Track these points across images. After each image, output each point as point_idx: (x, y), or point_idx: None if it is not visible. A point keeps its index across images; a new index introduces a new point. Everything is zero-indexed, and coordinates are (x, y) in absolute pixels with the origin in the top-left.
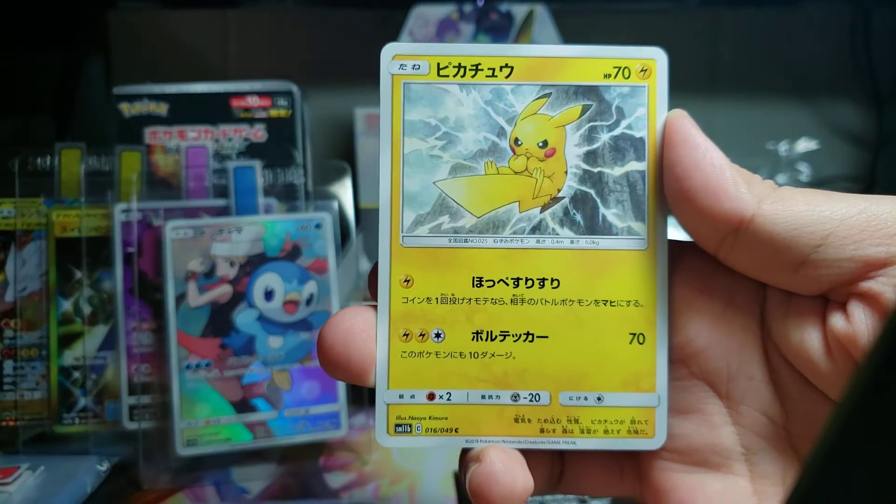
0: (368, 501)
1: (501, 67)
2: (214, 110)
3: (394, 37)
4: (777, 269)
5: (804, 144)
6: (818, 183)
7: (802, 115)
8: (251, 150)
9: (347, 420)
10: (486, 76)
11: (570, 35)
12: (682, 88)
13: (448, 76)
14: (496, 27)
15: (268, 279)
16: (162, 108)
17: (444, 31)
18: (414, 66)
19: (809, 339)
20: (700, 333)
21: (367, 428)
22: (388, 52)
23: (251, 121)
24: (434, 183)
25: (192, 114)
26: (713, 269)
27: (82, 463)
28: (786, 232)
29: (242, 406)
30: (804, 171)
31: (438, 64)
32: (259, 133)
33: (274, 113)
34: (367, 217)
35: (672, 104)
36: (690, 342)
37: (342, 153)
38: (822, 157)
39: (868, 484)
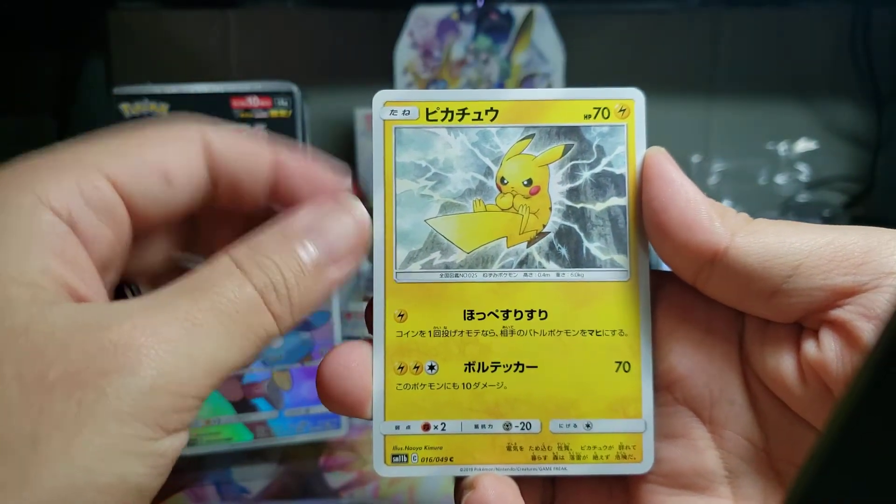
0: (368, 501)
1: (487, 111)
2: (215, 110)
3: (394, 37)
4: (752, 298)
5: (804, 144)
6: (818, 183)
7: (802, 115)
8: None
9: (347, 420)
10: (473, 119)
11: (569, 35)
12: (682, 88)
13: (437, 120)
14: (496, 28)
15: None
16: (162, 109)
17: (444, 32)
18: (404, 111)
19: (784, 365)
20: (682, 361)
21: (367, 428)
22: (380, 98)
23: (251, 121)
24: (425, 221)
25: (192, 114)
26: (693, 299)
27: None
28: (758, 263)
29: (243, 406)
30: (804, 171)
31: (427, 109)
32: (259, 133)
33: (274, 113)
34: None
35: (672, 104)
36: (673, 369)
37: (342, 154)
38: (822, 158)
39: None
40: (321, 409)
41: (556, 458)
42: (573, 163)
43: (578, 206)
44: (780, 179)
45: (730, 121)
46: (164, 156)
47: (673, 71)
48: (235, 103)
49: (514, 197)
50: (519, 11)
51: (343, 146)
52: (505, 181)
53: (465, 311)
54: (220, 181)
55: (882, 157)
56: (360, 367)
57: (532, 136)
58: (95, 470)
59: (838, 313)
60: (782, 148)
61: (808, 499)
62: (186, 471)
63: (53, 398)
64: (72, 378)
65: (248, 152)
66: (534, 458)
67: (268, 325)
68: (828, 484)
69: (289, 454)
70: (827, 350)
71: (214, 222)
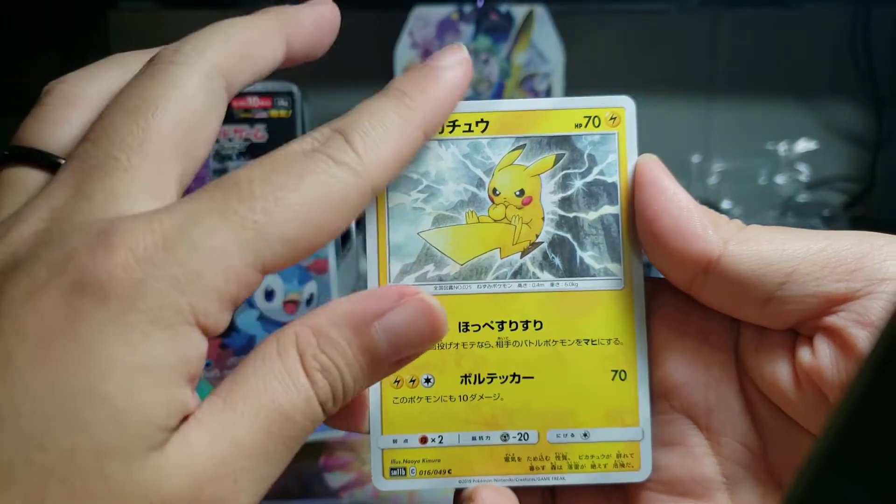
0: (368, 501)
1: (477, 122)
2: None
3: (394, 38)
4: (746, 306)
5: (804, 145)
6: (818, 183)
7: (802, 115)
8: (251, 150)
9: None
10: (464, 131)
11: (569, 35)
12: (682, 88)
13: None
14: (496, 28)
15: (268, 279)
16: None
17: (444, 32)
18: None
19: (780, 371)
20: (678, 368)
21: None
22: None
23: (251, 121)
24: (418, 234)
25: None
26: (688, 306)
27: None
28: (751, 271)
29: None
30: (803, 171)
31: None
32: (259, 133)
33: (274, 113)
34: (367, 217)
35: (672, 104)
36: (669, 377)
37: None
38: (822, 158)
39: None
40: None
41: (554, 467)
42: (565, 172)
43: (571, 215)
44: (780, 179)
45: (730, 121)
46: (263, 63)
47: (673, 71)
48: (235, 103)
49: (506, 208)
50: (519, 11)
51: None
52: (497, 192)
53: (460, 323)
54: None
55: (882, 157)
56: None
57: (523, 146)
58: None
59: (832, 320)
60: (782, 148)
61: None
62: None
63: None
64: None
65: (316, 41)
66: (532, 468)
67: (317, 424)
68: (824, 488)
69: None
70: (821, 357)
71: None
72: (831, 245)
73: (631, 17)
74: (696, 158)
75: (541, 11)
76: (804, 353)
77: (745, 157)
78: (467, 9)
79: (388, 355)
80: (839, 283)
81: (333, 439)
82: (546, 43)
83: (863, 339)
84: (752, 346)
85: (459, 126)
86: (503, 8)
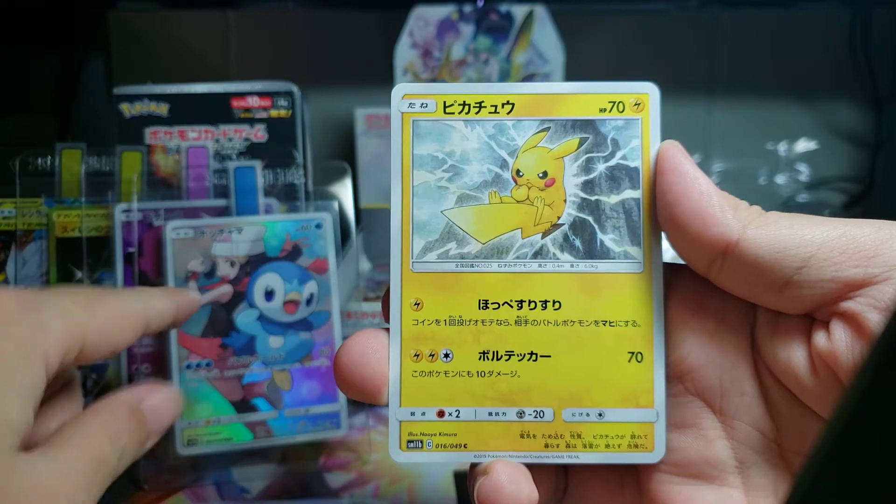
0: (368, 501)
1: (503, 104)
2: (215, 111)
3: (394, 37)
4: (763, 290)
5: (804, 144)
6: (818, 183)
7: (802, 115)
8: (251, 150)
9: (347, 420)
10: (489, 112)
11: (569, 35)
12: (682, 88)
13: (454, 113)
14: (496, 28)
15: (268, 279)
16: (162, 109)
17: (444, 32)
18: (422, 104)
19: (795, 356)
20: (694, 351)
21: (367, 428)
22: (398, 92)
23: (251, 121)
24: (442, 212)
25: (192, 114)
26: (706, 290)
27: None
28: (769, 255)
29: (243, 406)
30: (803, 171)
31: (445, 102)
32: (259, 133)
33: (274, 113)
34: (367, 217)
35: (672, 105)
36: (685, 360)
37: (342, 153)
38: (822, 158)
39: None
40: (321, 409)
41: (568, 446)
42: (588, 156)
43: (593, 198)
44: (780, 179)
45: (730, 121)
46: (122, 337)
47: (673, 71)
48: (235, 103)
49: (529, 189)
50: (519, 11)
51: (343, 146)
52: (520, 173)
53: (479, 301)
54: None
55: (882, 157)
56: (377, 354)
57: (548, 129)
58: None
59: (849, 305)
60: (782, 148)
61: (814, 487)
62: (186, 471)
63: None
64: None
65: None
66: (546, 445)
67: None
68: (834, 473)
69: (289, 454)
70: (837, 341)
71: None
72: (850, 231)
73: (631, 17)
74: (696, 158)
75: (541, 11)
76: (820, 338)
77: (745, 157)
78: (467, 9)
79: (153, 427)
80: (857, 269)
81: (333, 439)
82: (546, 43)
83: (879, 324)
84: (768, 331)
85: (486, 107)
86: (503, 8)
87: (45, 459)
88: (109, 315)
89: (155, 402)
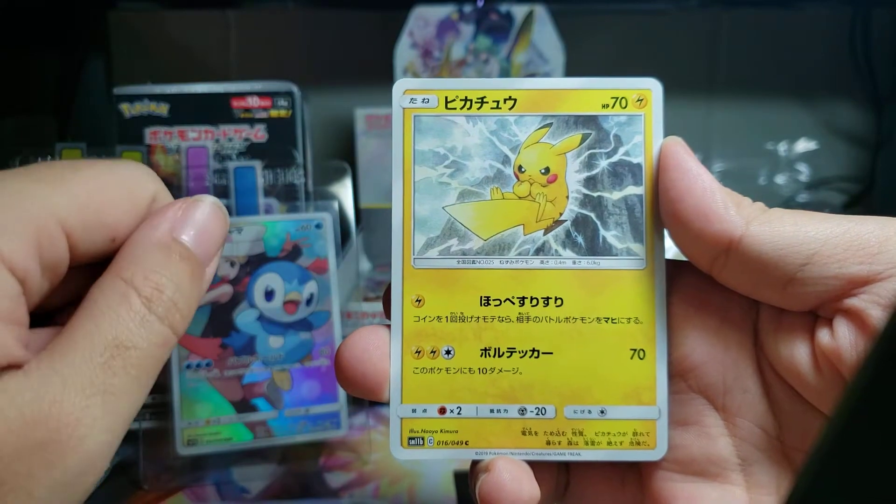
0: (368, 501)
1: (505, 100)
2: (215, 111)
3: (394, 37)
4: (766, 287)
5: (803, 144)
6: (818, 183)
7: (802, 115)
8: (251, 150)
9: (347, 420)
10: (491, 108)
11: (569, 35)
12: (682, 88)
13: (456, 109)
14: (496, 27)
15: (268, 279)
16: (162, 109)
17: (444, 32)
18: (424, 99)
19: (798, 353)
20: (696, 349)
21: (367, 428)
22: (400, 87)
23: (251, 121)
24: (443, 208)
25: (192, 114)
26: (708, 287)
27: None
28: (773, 251)
29: (243, 406)
30: (803, 171)
31: (447, 97)
32: (259, 133)
33: (274, 113)
34: (367, 217)
35: (672, 104)
36: (688, 357)
37: (342, 153)
38: (822, 158)
39: (859, 496)
40: (321, 409)
41: (570, 443)
42: (591, 152)
43: (595, 194)
44: (780, 179)
45: (730, 121)
46: (118, 214)
47: (673, 71)
48: (235, 103)
49: (531, 185)
50: (519, 11)
51: (343, 146)
52: (522, 169)
53: (481, 298)
54: None
55: (882, 157)
56: (378, 350)
57: (550, 124)
58: None
59: (853, 302)
60: (782, 148)
61: (816, 484)
62: (186, 471)
63: None
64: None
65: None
66: (548, 443)
67: (173, 346)
68: (835, 470)
69: (289, 454)
70: (841, 338)
71: None
72: (854, 228)
73: (631, 17)
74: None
75: (541, 11)
76: (823, 335)
77: (745, 157)
78: (467, 9)
79: (203, 258)
80: (861, 266)
81: (333, 439)
82: (546, 43)
83: (883, 321)
84: (771, 328)
85: (487, 102)
86: (503, 8)
87: (37, 372)
88: (94, 185)
89: (196, 222)
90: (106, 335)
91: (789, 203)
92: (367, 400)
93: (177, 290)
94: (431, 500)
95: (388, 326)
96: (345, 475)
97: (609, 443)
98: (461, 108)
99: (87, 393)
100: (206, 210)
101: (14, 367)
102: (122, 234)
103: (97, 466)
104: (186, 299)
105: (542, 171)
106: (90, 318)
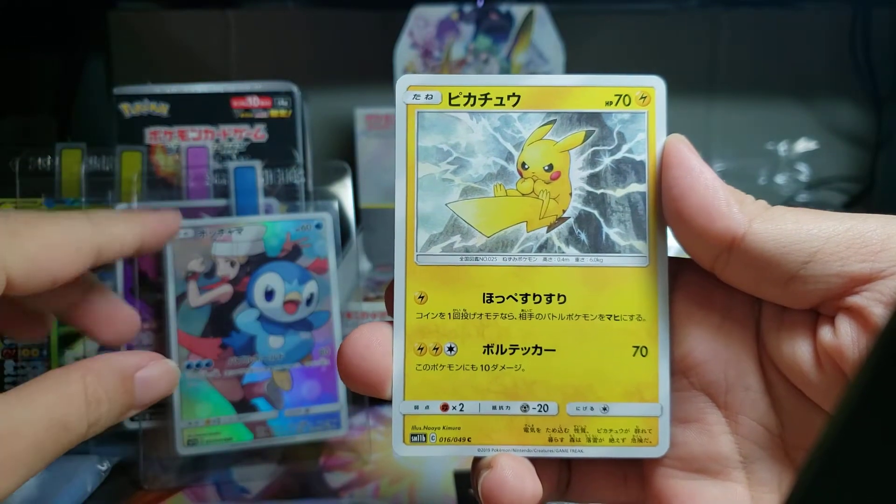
0: (368, 501)
1: (509, 96)
2: (215, 111)
3: (394, 37)
4: (769, 285)
5: (804, 144)
6: (818, 183)
7: (802, 115)
8: (251, 150)
9: (348, 420)
10: (495, 105)
11: (569, 35)
12: (682, 89)
13: (459, 105)
14: (496, 27)
15: (268, 279)
16: (162, 109)
17: (444, 32)
18: (427, 96)
19: (801, 351)
20: (699, 346)
21: (368, 428)
22: (403, 83)
23: (251, 121)
24: (446, 205)
25: (192, 114)
26: (711, 285)
27: (83, 462)
28: (775, 249)
29: (243, 406)
30: (803, 171)
31: (450, 94)
32: (259, 133)
33: (274, 113)
34: (367, 217)
35: (672, 104)
36: (690, 354)
37: (342, 153)
38: (822, 158)
39: (860, 494)
40: (321, 409)
41: (572, 440)
42: (594, 149)
43: (599, 191)
44: (780, 179)
45: (730, 121)
46: (60, 268)
47: (673, 71)
48: (235, 103)
49: (534, 182)
50: (519, 11)
51: (343, 146)
52: (526, 166)
53: (484, 294)
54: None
55: (882, 157)
56: (381, 347)
57: (553, 121)
58: None
59: (855, 300)
60: (782, 148)
61: (818, 482)
62: (186, 471)
63: None
64: None
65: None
66: (551, 439)
67: (76, 441)
68: (837, 468)
69: (289, 454)
70: (843, 336)
71: None
72: (856, 226)
73: (631, 17)
74: None
75: (541, 11)
76: (825, 333)
77: (745, 157)
78: (467, 9)
79: (138, 402)
80: (864, 264)
81: (333, 439)
82: (546, 43)
83: (886, 318)
84: (773, 326)
85: (491, 99)
86: (503, 8)
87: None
88: (43, 241)
89: (151, 373)
90: (57, 413)
91: (789, 203)
92: (367, 399)
93: (108, 415)
94: (431, 500)
95: (391, 323)
96: (345, 475)
97: (611, 439)
98: (465, 105)
99: (26, 444)
100: (163, 369)
101: None
102: (63, 277)
103: None
104: (106, 422)
105: (546, 168)
106: (55, 391)
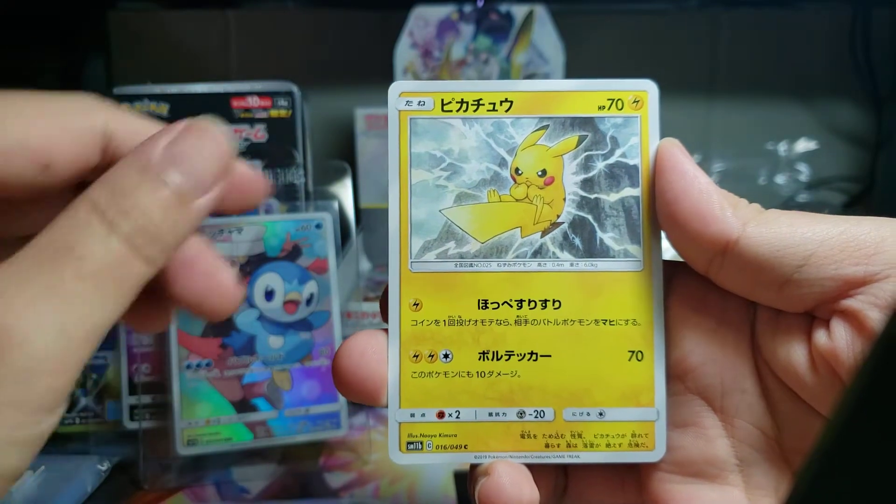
0: (368, 501)
1: (501, 102)
2: (215, 111)
3: (394, 37)
4: (763, 288)
5: (804, 144)
6: (818, 183)
7: (802, 115)
8: (251, 150)
9: (347, 420)
10: (488, 110)
11: (569, 35)
12: (682, 88)
13: (452, 111)
14: (496, 27)
15: (268, 279)
16: (162, 109)
17: (444, 32)
18: (419, 102)
19: (796, 354)
20: (694, 350)
21: (367, 428)
22: (395, 89)
23: (251, 121)
24: (440, 211)
25: (192, 114)
26: (706, 289)
27: (83, 462)
28: (769, 253)
29: (243, 406)
30: (803, 171)
31: (442, 100)
32: (259, 133)
33: (274, 113)
34: (367, 217)
35: (672, 105)
36: (685, 358)
37: (342, 153)
38: (822, 158)
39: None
40: (321, 409)
41: (569, 445)
42: (587, 153)
43: (592, 196)
44: (780, 179)
45: (730, 121)
46: (49, 140)
47: (673, 71)
48: (235, 103)
49: (528, 187)
50: (519, 11)
51: (343, 146)
52: (519, 172)
53: (479, 301)
54: (113, 162)
55: (882, 157)
56: (376, 355)
57: (546, 126)
58: None
59: (850, 303)
60: (782, 148)
61: (815, 486)
62: (186, 471)
63: None
64: None
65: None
66: (547, 445)
67: (140, 272)
68: (834, 471)
69: (289, 454)
70: (838, 339)
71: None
72: (850, 229)
73: (631, 17)
74: (695, 158)
75: (541, 11)
76: (820, 336)
77: (745, 157)
78: (467, 9)
79: (189, 185)
80: (858, 267)
81: (333, 439)
82: (546, 43)
83: (880, 321)
84: (769, 329)
85: (484, 105)
86: (503, 8)
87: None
88: (21, 114)
89: (186, 146)
90: (55, 241)
91: (789, 203)
92: None
93: (149, 219)
94: (431, 500)
95: (386, 330)
96: (345, 475)
97: (608, 445)
98: (457, 111)
99: (30, 294)
100: (199, 134)
101: None
102: (57, 160)
103: (50, 368)
104: (158, 224)
105: (539, 173)
106: (47, 231)
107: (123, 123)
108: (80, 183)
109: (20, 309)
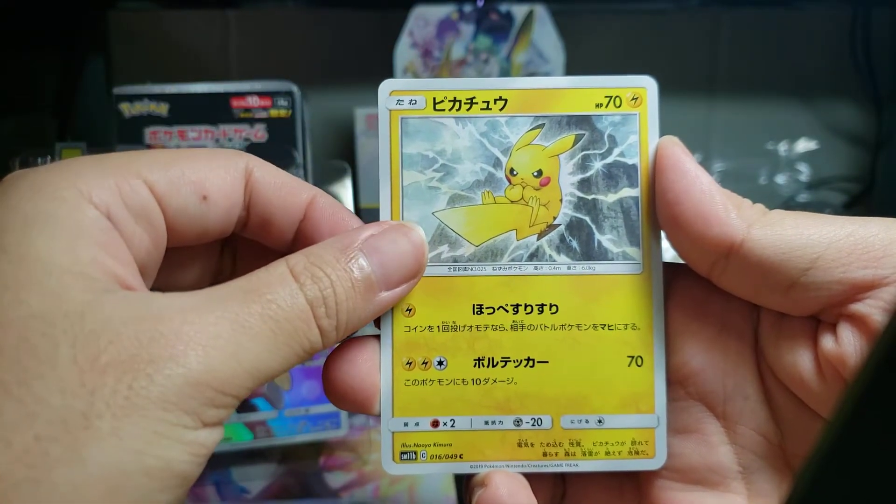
0: (368, 501)
1: (495, 100)
2: (215, 110)
3: (394, 37)
4: (768, 292)
5: (804, 144)
6: (818, 183)
7: (802, 115)
8: (251, 150)
9: (347, 420)
10: (481, 109)
11: (569, 35)
12: (682, 88)
13: (444, 110)
14: (496, 27)
15: None
16: (162, 109)
17: (444, 32)
18: (411, 101)
19: (801, 359)
20: (696, 355)
21: (367, 428)
22: (386, 88)
23: (251, 121)
24: (433, 213)
25: (192, 114)
26: (707, 292)
27: None
28: (775, 256)
29: (243, 405)
30: (804, 171)
31: (434, 98)
32: (259, 133)
33: (274, 113)
34: (367, 217)
35: (672, 104)
36: (687, 364)
37: (342, 153)
38: (822, 158)
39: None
40: (321, 409)
41: (567, 454)
42: (584, 153)
43: (590, 197)
44: (781, 179)
45: (730, 121)
46: (204, 174)
47: (673, 71)
48: (235, 103)
49: (523, 188)
50: (519, 11)
51: (343, 146)
52: (514, 172)
53: (474, 306)
54: (255, 210)
55: (882, 157)
56: (368, 363)
57: (542, 125)
58: (143, 452)
59: (858, 307)
60: (782, 148)
61: (815, 488)
62: None
63: (105, 381)
64: (124, 363)
65: (286, 188)
66: (545, 454)
67: (313, 338)
68: (834, 473)
69: (289, 454)
70: (845, 344)
71: (252, 256)
72: (858, 231)
73: (631, 17)
74: (696, 158)
75: (541, 11)
76: (827, 341)
77: (745, 157)
78: (467, 9)
79: (378, 276)
80: (866, 270)
81: (333, 439)
82: (546, 43)
83: (884, 324)
84: (773, 334)
85: (477, 103)
86: (503, 8)
87: (170, 297)
88: (175, 152)
89: (388, 244)
90: (250, 284)
91: (789, 203)
92: None
93: (334, 292)
94: (431, 500)
95: (378, 337)
96: (345, 475)
97: (607, 452)
98: (450, 110)
99: (216, 315)
100: (402, 233)
101: (128, 289)
102: (213, 192)
103: (217, 385)
104: (340, 301)
105: (535, 173)
106: (243, 277)
107: (258, 163)
108: (225, 242)
109: (203, 326)
